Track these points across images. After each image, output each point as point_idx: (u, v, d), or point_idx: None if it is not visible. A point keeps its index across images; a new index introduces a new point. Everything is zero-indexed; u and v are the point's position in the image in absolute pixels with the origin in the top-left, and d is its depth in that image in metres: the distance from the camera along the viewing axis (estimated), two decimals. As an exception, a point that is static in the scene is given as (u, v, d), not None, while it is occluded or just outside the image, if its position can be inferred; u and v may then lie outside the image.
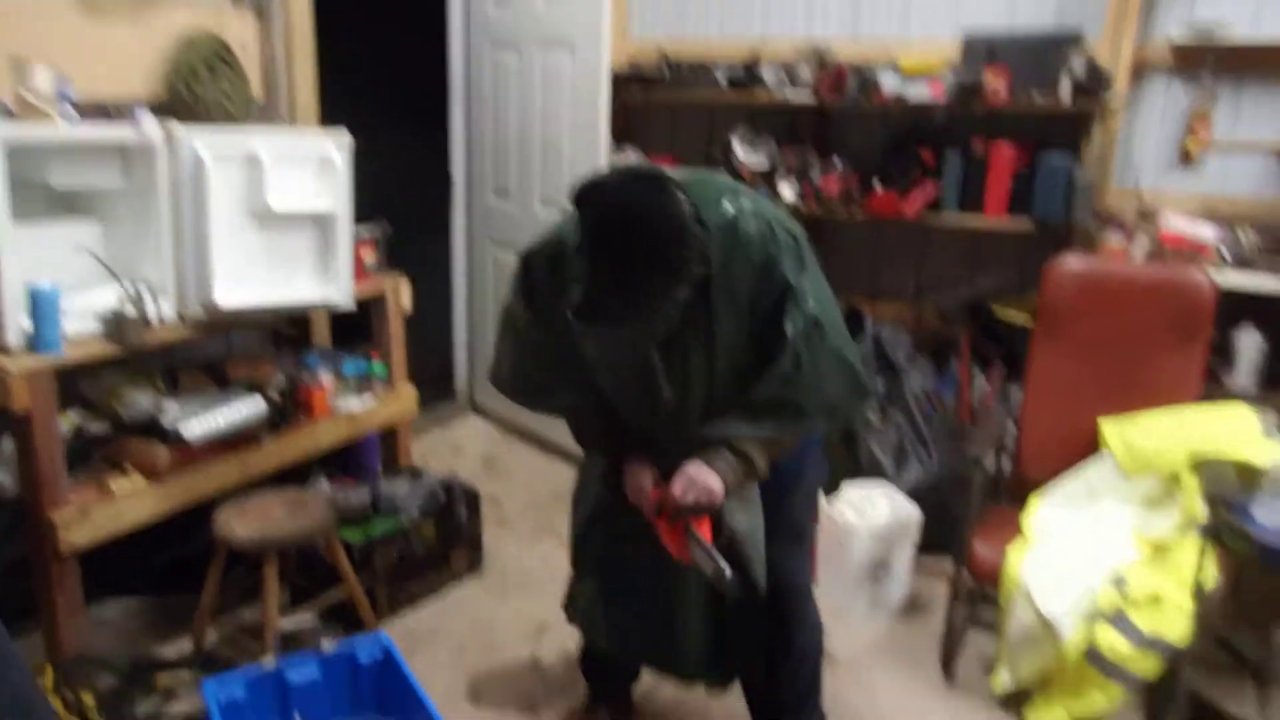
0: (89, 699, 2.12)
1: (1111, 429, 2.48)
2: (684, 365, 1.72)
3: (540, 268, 1.73)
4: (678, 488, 1.71)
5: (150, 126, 2.28)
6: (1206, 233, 2.99)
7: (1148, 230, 3.07)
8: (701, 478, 1.70)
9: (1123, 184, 3.25)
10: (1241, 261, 2.89)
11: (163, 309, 2.33)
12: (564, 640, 2.61)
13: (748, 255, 1.64)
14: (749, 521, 1.84)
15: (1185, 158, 3.17)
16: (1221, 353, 2.94)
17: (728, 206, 1.65)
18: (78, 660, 2.22)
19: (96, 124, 2.32)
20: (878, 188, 3.40)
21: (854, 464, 1.98)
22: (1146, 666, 2.14)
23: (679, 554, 1.74)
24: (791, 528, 1.91)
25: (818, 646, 2.02)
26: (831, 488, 1.99)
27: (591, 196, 1.53)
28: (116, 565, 2.60)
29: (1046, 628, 2.22)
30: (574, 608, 2.08)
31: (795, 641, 1.97)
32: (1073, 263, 2.65)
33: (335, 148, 2.52)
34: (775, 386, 1.68)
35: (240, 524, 2.27)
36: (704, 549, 1.69)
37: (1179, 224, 3.05)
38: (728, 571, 1.67)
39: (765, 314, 1.67)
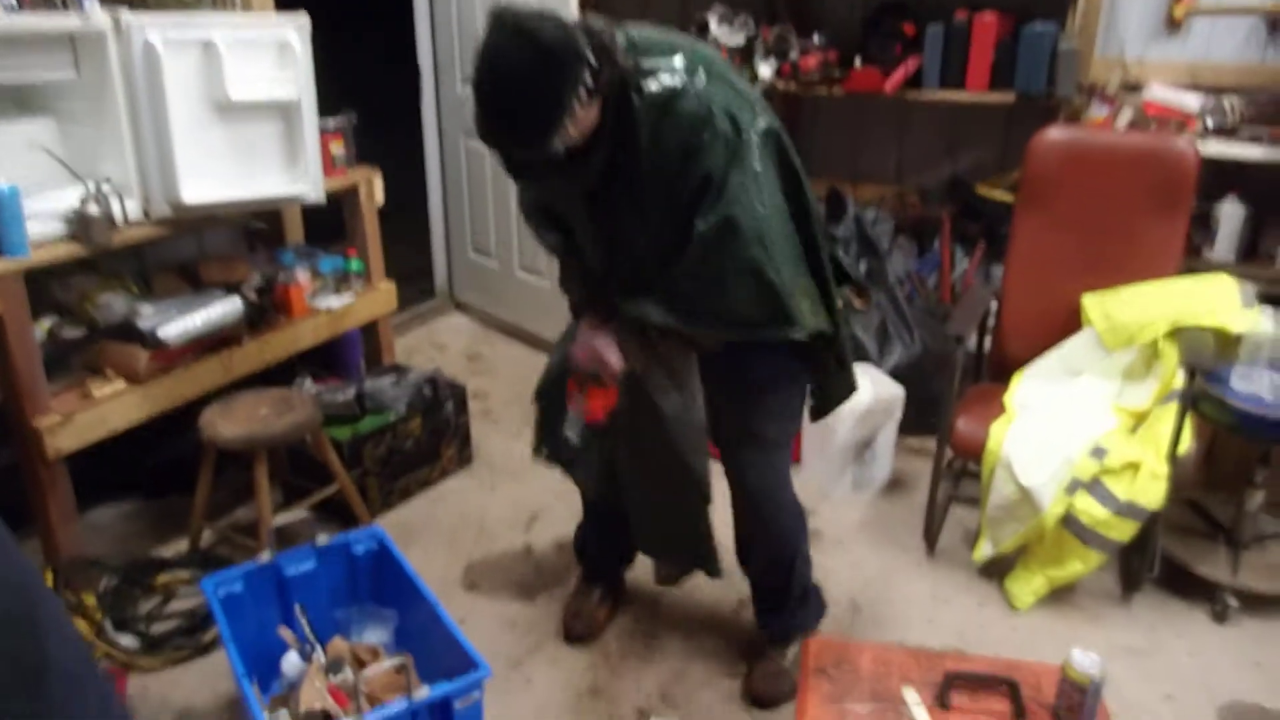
0: (90, 599, 2.15)
1: (1093, 302, 2.49)
2: (614, 228, 1.69)
3: None
4: (577, 350, 1.76)
5: (96, 13, 2.17)
6: (1191, 101, 2.95)
7: (1132, 101, 3.02)
8: (599, 348, 1.74)
9: (1107, 53, 3.18)
10: (1226, 130, 2.86)
11: (128, 208, 2.26)
12: (556, 528, 2.66)
13: (675, 134, 1.57)
14: (683, 405, 1.81)
15: (1171, 23, 3.10)
16: (1203, 224, 2.95)
17: (673, 80, 1.58)
18: (76, 562, 2.24)
19: (38, 13, 2.19)
20: (858, 64, 3.32)
21: (845, 386, 1.92)
22: (1122, 531, 2.21)
23: (569, 405, 1.82)
24: (754, 436, 1.89)
25: (794, 538, 2.02)
26: (820, 411, 1.95)
27: (489, 27, 1.48)
28: (108, 470, 2.60)
29: (1026, 498, 2.28)
30: (543, 450, 2.09)
31: (770, 534, 2.00)
32: (1055, 134, 2.61)
33: (294, 32, 2.41)
34: (677, 280, 1.65)
35: (227, 424, 2.26)
36: (571, 415, 1.74)
37: (1163, 93, 3.01)
38: (574, 439, 1.80)
39: (686, 202, 1.60)
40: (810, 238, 1.72)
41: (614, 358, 1.73)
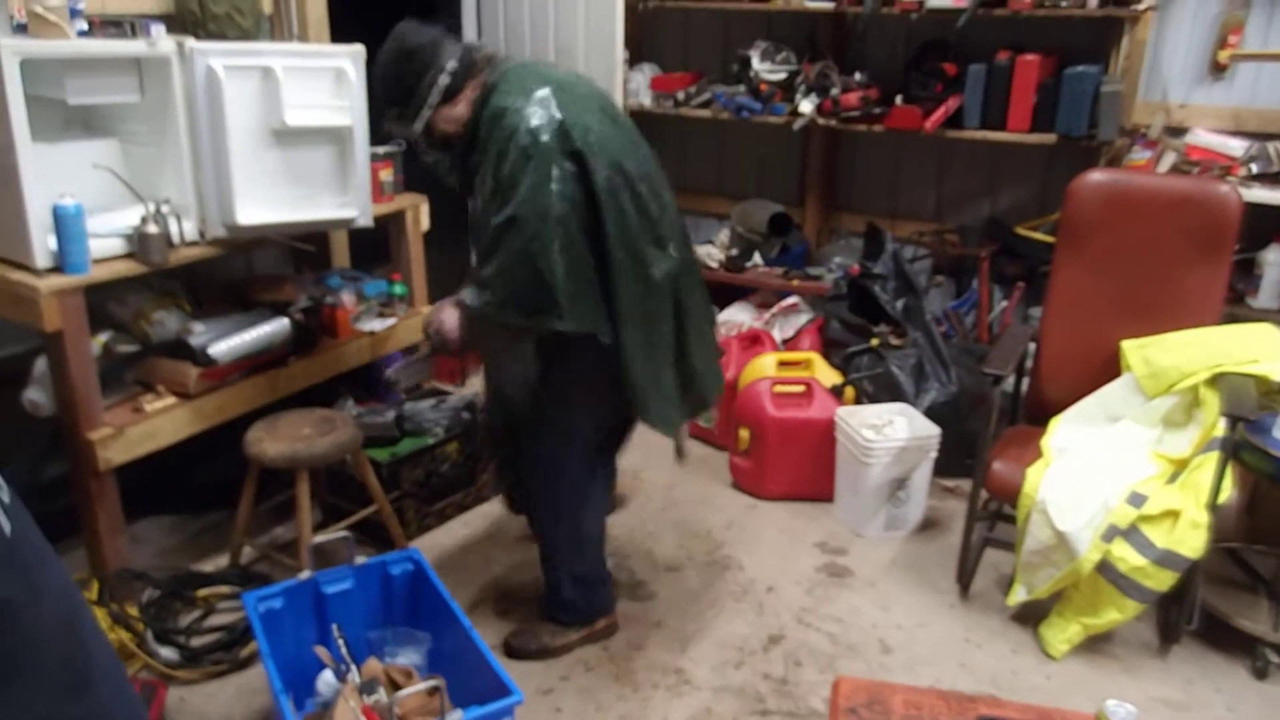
0: (134, 611, 2.19)
1: (1132, 348, 2.48)
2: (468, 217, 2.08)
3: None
4: (425, 322, 2.13)
5: (163, 39, 2.25)
6: (1235, 146, 2.94)
7: (1175, 145, 3.02)
8: (443, 319, 2.07)
9: (1150, 97, 3.19)
10: (1270, 176, 2.84)
11: (185, 228, 2.32)
12: (587, 555, 2.67)
13: (494, 144, 1.93)
14: (521, 375, 2.09)
15: (1216, 68, 3.09)
16: (1246, 271, 2.92)
17: (510, 101, 1.94)
18: (121, 574, 2.28)
19: (108, 37, 2.28)
20: (899, 102, 3.34)
21: (659, 413, 2.13)
22: (1160, 580, 2.19)
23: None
24: (531, 436, 2.19)
25: (564, 560, 2.27)
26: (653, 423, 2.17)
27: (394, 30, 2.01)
28: (154, 484, 2.66)
29: (1062, 543, 2.26)
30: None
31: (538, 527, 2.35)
32: (1096, 176, 2.61)
33: (349, 61, 2.48)
34: (480, 264, 1.99)
35: (271, 442, 2.31)
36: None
37: (1206, 138, 3.00)
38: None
39: (491, 202, 1.94)
40: (604, 255, 1.96)
41: (449, 323, 2.06)
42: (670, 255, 2.05)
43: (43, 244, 2.09)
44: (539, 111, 1.92)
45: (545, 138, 1.89)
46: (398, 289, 2.97)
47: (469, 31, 3.99)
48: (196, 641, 2.22)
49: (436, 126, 2.03)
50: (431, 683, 1.74)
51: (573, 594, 2.28)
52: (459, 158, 2.06)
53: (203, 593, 2.36)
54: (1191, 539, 2.15)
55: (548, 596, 2.33)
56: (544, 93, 1.94)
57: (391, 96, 2.02)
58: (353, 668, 1.91)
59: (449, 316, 2.07)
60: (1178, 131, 3.11)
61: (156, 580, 2.32)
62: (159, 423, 2.31)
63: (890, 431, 2.80)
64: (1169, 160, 2.99)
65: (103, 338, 2.38)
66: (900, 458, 2.76)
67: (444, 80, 1.98)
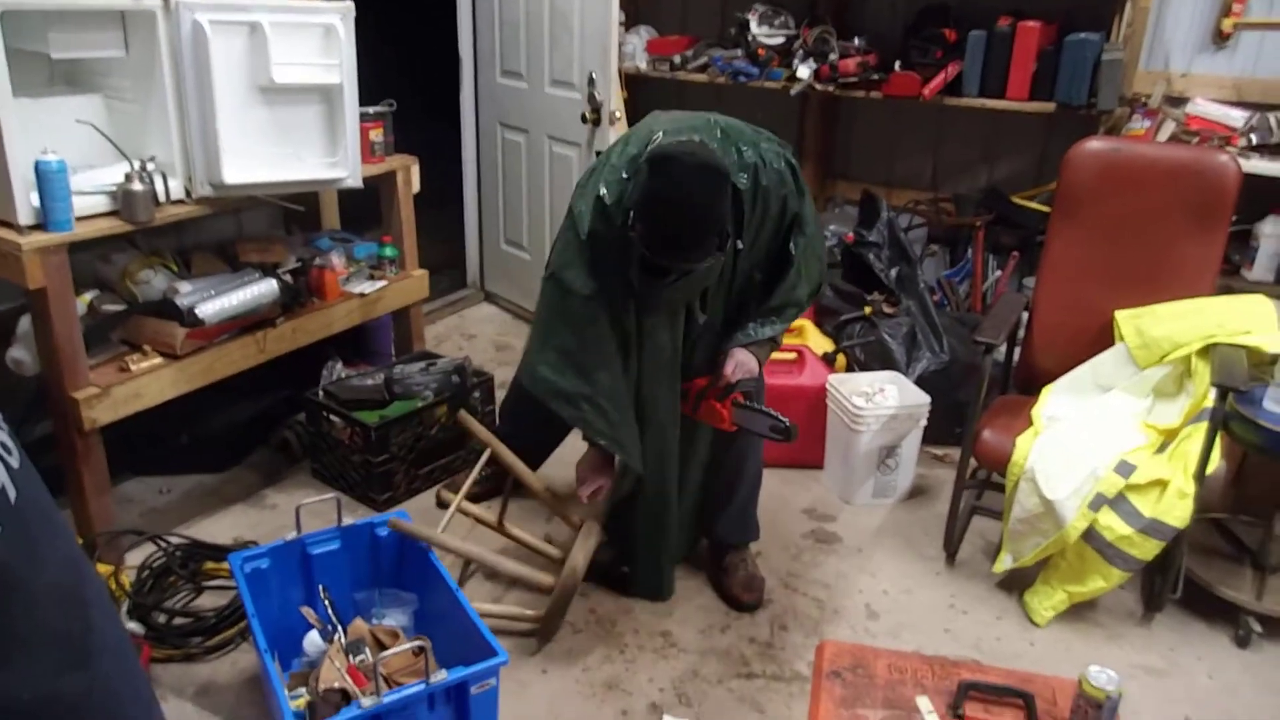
0: (125, 577, 2.19)
1: (1125, 318, 2.47)
2: (692, 307, 2.09)
3: (597, 230, 1.95)
4: (729, 368, 2.08)
5: (148, -8, 2.20)
6: (1235, 117, 2.91)
7: (1174, 114, 2.99)
8: (747, 360, 2.10)
9: (1151, 66, 3.15)
10: (1269, 147, 2.82)
11: (171, 186, 2.30)
12: (576, 519, 2.68)
13: (767, 200, 1.98)
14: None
15: (1219, 36, 3.05)
16: (1242, 242, 2.91)
17: (749, 158, 1.95)
18: (110, 535, 2.28)
19: (92, -11, 2.24)
20: (897, 68, 3.30)
21: None
22: (1145, 549, 2.19)
23: (730, 425, 2.11)
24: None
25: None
26: None
27: (662, 168, 1.79)
28: (139, 444, 2.65)
29: (1049, 511, 2.26)
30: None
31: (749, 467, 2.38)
32: (1094, 145, 2.58)
33: (339, 17, 2.44)
34: (783, 294, 2.10)
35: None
36: (757, 410, 2.07)
37: (1207, 108, 2.97)
38: (785, 421, 2.04)
39: (778, 241, 2.06)
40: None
41: (754, 364, 2.12)
42: None
43: (25, 201, 2.06)
44: (765, 149, 2.00)
45: (789, 155, 2.05)
46: (388, 251, 2.95)
47: (463, -9, 3.94)
48: (175, 620, 2.18)
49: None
50: (417, 643, 1.74)
51: (755, 504, 2.44)
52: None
53: (208, 566, 2.34)
54: (1178, 509, 2.16)
55: (739, 529, 2.42)
56: (746, 139, 2.01)
57: (722, 218, 1.86)
58: (339, 628, 1.92)
59: (750, 359, 2.10)
60: (1178, 101, 3.08)
61: (166, 547, 2.30)
62: (145, 382, 2.30)
63: (881, 399, 2.79)
64: (1168, 130, 2.96)
65: (88, 296, 2.37)
66: (890, 425, 2.75)
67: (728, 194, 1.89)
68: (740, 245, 2.00)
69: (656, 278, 1.86)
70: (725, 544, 2.43)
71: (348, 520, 2.13)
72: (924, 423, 2.81)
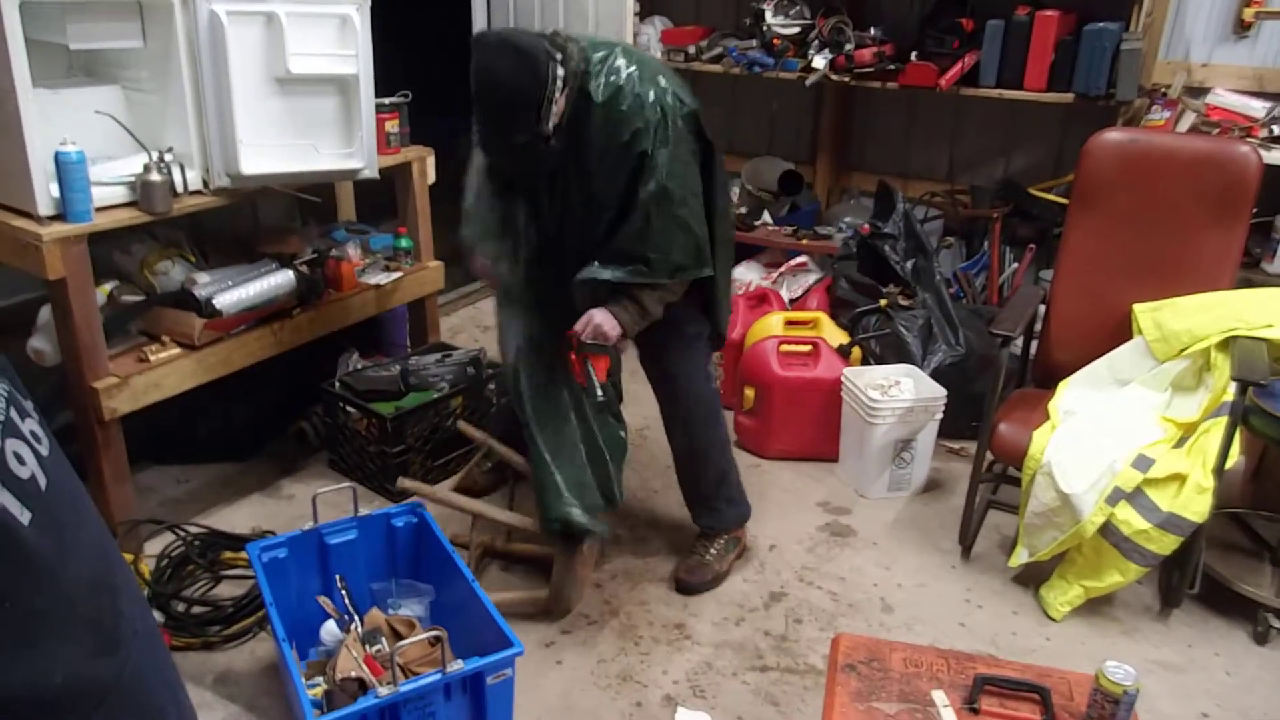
0: (144, 566, 2.21)
1: (1144, 311, 2.45)
2: (564, 203, 2.12)
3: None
4: (579, 325, 2.11)
5: (165, -17, 2.21)
6: (1257, 107, 2.89)
7: (1194, 105, 2.96)
8: (598, 320, 2.09)
9: (1171, 56, 3.12)
10: (1292, 139, 2.79)
11: (188, 177, 2.31)
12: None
13: (619, 123, 1.98)
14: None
15: (1240, 26, 3.02)
16: (1263, 235, 2.88)
17: (617, 79, 1.98)
18: (131, 524, 2.30)
19: (110, -21, 2.25)
20: (914, 59, 3.28)
21: (725, 316, 2.35)
22: (1163, 544, 2.18)
23: (579, 380, 2.15)
24: (678, 331, 2.27)
25: (707, 426, 2.37)
26: (717, 339, 2.38)
27: (475, 49, 1.92)
28: (158, 434, 2.67)
29: (1066, 505, 2.25)
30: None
31: (686, 420, 2.36)
32: (1113, 135, 2.56)
33: (355, 8, 2.44)
34: (627, 239, 2.04)
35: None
36: (588, 378, 2.12)
37: (1227, 98, 2.94)
38: (599, 395, 2.13)
39: (627, 177, 2.01)
40: (710, 198, 2.13)
41: (610, 328, 2.09)
42: None
43: (45, 191, 2.08)
44: (652, 85, 2.00)
45: (669, 106, 2.00)
46: (403, 243, 2.95)
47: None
48: (193, 609, 2.20)
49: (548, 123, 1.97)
50: (433, 632, 1.75)
51: (730, 493, 2.45)
52: (547, 144, 1.99)
53: (226, 555, 2.36)
54: (1196, 503, 2.14)
55: (705, 514, 2.45)
56: (634, 63, 2.02)
57: (525, 107, 1.92)
58: (356, 618, 1.93)
59: (604, 320, 2.09)
60: (1198, 91, 3.05)
61: (185, 536, 2.32)
62: (164, 373, 2.32)
63: (896, 392, 2.78)
64: (1188, 120, 2.93)
65: (107, 287, 2.38)
66: (906, 419, 2.74)
67: (559, 71, 1.92)
68: (590, 161, 2.02)
69: (489, 154, 2.08)
70: (700, 527, 2.49)
71: (364, 510, 2.14)
72: (939, 416, 2.79)
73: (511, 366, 2.27)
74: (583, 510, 2.17)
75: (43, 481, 0.70)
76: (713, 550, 2.44)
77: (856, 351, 3.08)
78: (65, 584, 0.70)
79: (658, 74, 2.04)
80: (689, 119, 2.05)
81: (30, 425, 0.72)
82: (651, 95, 1.99)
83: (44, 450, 0.72)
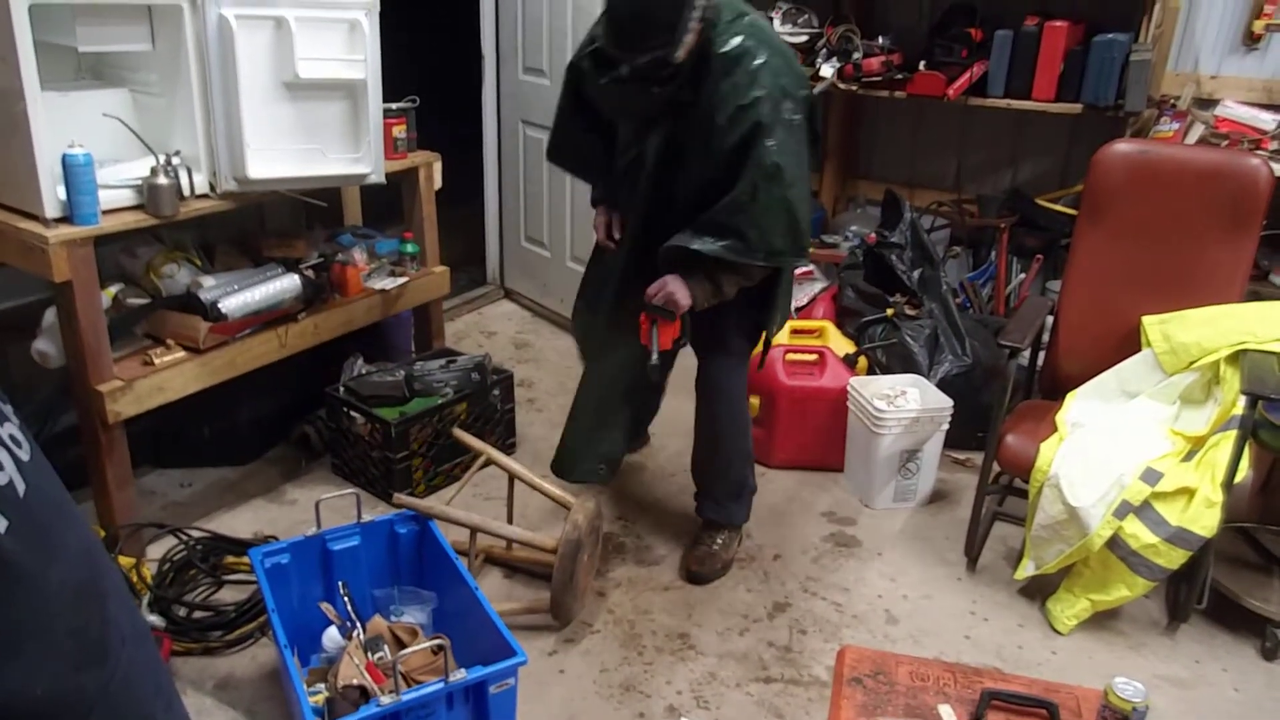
0: (146, 569, 2.20)
1: (1152, 323, 2.44)
2: (658, 158, 2.07)
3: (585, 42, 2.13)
4: (653, 288, 2.09)
5: (175, -13, 2.21)
6: (1266, 119, 2.87)
7: (1203, 117, 2.95)
8: (670, 288, 2.06)
9: (1180, 67, 3.11)
10: (1302, 152, 2.78)
11: (195, 181, 2.31)
12: (595, 518, 2.67)
13: (740, 87, 1.91)
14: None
15: (1250, 38, 3.01)
16: (1273, 247, 2.87)
17: (743, 41, 1.93)
18: (131, 528, 2.29)
19: (120, -18, 2.25)
20: (922, 68, 3.27)
21: (783, 317, 2.35)
22: (1171, 558, 2.16)
23: (643, 340, 2.14)
24: (724, 347, 2.31)
25: (734, 437, 2.41)
26: (766, 344, 2.39)
27: None
28: (161, 437, 2.67)
29: (1073, 518, 2.24)
30: None
31: (716, 427, 2.40)
32: (1122, 147, 2.55)
33: (363, 13, 2.44)
34: (727, 211, 1.97)
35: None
36: (651, 339, 2.12)
37: (1236, 110, 2.93)
38: (654, 359, 2.11)
39: (736, 145, 1.94)
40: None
41: (682, 296, 2.06)
42: None
43: (52, 194, 2.07)
44: (777, 58, 1.95)
45: (789, 85, 1.96)
46: (409, 248, 2.95)
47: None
48: (195, 614, 2.19)
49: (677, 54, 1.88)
50: (436, 641, 1.74)
51: (743, 494, 2.49)
52: (661, 86, 1.92)
53: (229, 560, 2.35)
54: (1205, 517, 2.13)
55: (714, 508, 2.48)
56: (760, 32, 1.98)
57: (663, 21, 1.84)
58: (358, 625, 1.92)
59: (677, 288, 2.06)
60: (1207, 103, 3.04)
61: (187, 541, 2.31)
62: (168, 376, 2.31)
63: (902, 403, 2.77)
64: (1197, 132, 2.92)
65: (113, 290, 2.38)
66: (912, 429, 2.73)
67: (698, 4, 1.86)
68: (708, 112, 1.95)
69: (604, 70, 1.91)
70: (703, 519, 2.53)
71: (367, 516, 2.13)
72: (946, 426, 2.78)
73: (585, 304, 2.39)
74: (595, 456, 2.40)
75: (21, 488, 0.68)
76: (719, 540, 2.48)
77: (863, 361, 3.07)
78: (48, 593, 0.69)
79: (784, 52, 2.01)
80: (805, 103, 2.01)
81: (9, 430, 0.71)
82: (778, 66, 1.95)
83: (24, 455, 0.70)
